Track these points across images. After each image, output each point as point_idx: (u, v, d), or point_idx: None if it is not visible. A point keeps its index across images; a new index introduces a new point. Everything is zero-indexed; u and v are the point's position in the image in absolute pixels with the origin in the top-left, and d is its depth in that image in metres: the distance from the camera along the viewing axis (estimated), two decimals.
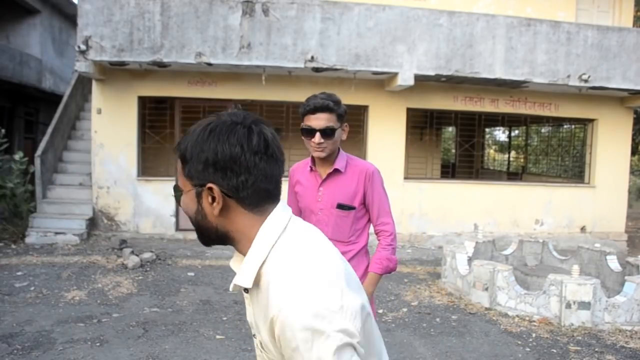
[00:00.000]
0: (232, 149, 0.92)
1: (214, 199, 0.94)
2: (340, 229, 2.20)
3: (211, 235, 1.00)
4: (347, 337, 0.83)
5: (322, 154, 2.13)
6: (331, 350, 0.81)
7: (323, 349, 0.81)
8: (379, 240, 2.23)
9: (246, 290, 0.99)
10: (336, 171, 2.19)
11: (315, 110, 2.06)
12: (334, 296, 0.85)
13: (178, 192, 1.02)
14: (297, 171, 2.34)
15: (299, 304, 0.83)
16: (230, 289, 1.02)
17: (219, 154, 0.92)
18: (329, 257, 0.94)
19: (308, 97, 2.12)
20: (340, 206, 2.17)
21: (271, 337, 0.90)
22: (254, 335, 1.04)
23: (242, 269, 0.95)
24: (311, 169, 2.25)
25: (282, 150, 1.00)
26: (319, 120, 2.06)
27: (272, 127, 1.01)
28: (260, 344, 0.99)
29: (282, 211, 0.98)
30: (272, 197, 0.98)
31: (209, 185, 0.93)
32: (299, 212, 2.30)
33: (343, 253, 2.04)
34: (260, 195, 0.96)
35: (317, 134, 2.07)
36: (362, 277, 2.19)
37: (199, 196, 0.96)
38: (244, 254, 0.97)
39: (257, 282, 0.94)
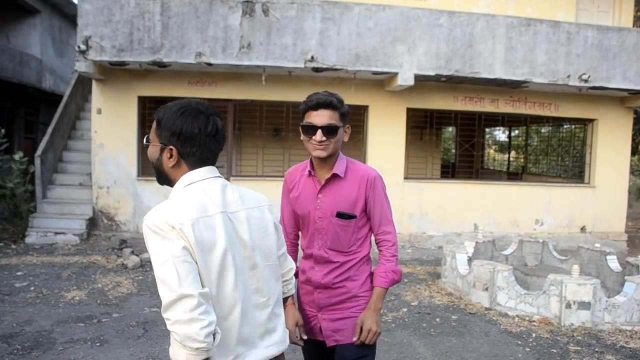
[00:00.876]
0: (193, 130, 1.39)
1: (171, 156, 1.41)
2: (340, 238, 2.03)
3: (162, 176, 1.48)
4: (166, 231, 1.28)
5: (324, 153, 1.95)
6: (150, 237, 1.30)
7: (148, 237, 1.30)
8: (380, 250, 2.09)
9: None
10: (335, 176, 2.02)
11: (318, 106, 1.93)
12: (169, 217, 1.30)
13: (148, 141, 1.47)
14: (294, 175, 2.14)
15: (145, 218, 1.33)
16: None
17: (183, 130, 1.38)
18: (184, 203, 1.36)
19: (309, 94, 2.00)
20: (340, 215, 2.01)
21: None
22: None
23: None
24: (310, 174, 2.06)
25: (225, 134, 1.48)
26: (321, 117, 1.92)
27: (219, 118, 1.45)
28: None
29: (197, 172, 1.42)
30: (209, 162, 1.45)
31: (171, 147, 1.40)
32: (295, 218, 2.14)
33: (342, 263, 2.05)
34: (200, 161, 1.43)
35: (319, 131, 1.91)
36: (364, 286, 2.07)
37: (162, 150, 1.42)
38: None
39: None
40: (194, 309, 1.20)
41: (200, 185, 1.40)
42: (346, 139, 2.05)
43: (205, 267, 1.29)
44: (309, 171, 2.06)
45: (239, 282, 1.36)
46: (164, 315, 1.24)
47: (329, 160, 2.01)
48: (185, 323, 1.19)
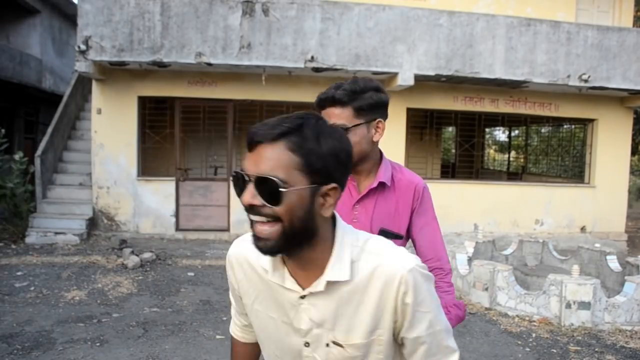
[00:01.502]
0: (348, 147, 0.94)
1: (325, 197, 0.92)
2: None
3: (303, 239, 0.94)
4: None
5: None
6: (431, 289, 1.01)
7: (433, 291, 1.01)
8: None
9: (302, 295, 1.01)
10: (382, 185, 1.61)
11: (322, 103, 1.56)
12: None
13: (275, 187, 0.87)
14: None
15: (410, 261, 0.97)
16: (322, 288, 0.98)
17: (343, 150, 0.92)
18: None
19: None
20: (384, 233, 1.59)
21: (378, 318, 0.98)
22: (307, 343, 1.04)
23: (334, 266, 0.96)
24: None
25: None
26: (327, 117, 1.52)
27: None
28: (334, 342, 1.02)
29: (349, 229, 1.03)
30: None
31: (334, 185, 0.92)
32: None
33: None
34: None
35: None
36: None
37: (313, 195, 0.90)
38: (311, 258, 0.98)
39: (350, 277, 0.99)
40: None
41: (362, 232, 1.08)
42: (377, 137, 1.58)
43: None
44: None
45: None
46: None
47: (366, 164, 1.61)
48: None
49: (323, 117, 0.98)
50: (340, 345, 1.01)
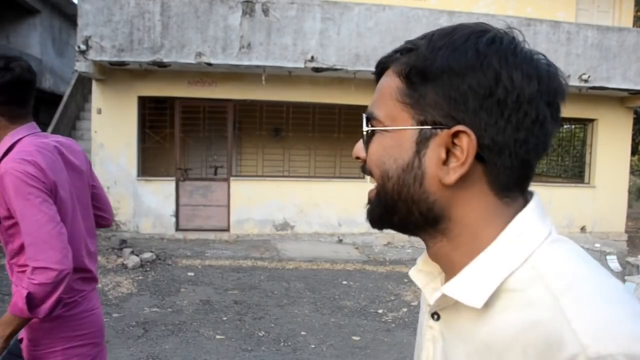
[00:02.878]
0: (526, 84, 0.56)
1: (450, 154, 0.56)
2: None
3: (412, 213, 0.59)
4: None
5: None
6: None
7: None
8: None
9: (436, 315, 0.63)
10: None
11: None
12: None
13: (375, 124, 0.61)
14: None
15: (616, 331, 0.47)
16: (433, 302, 0.61)
17: (501, 83, 0.54)
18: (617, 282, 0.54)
19: None
20: None
21: None
22: None
23: (466, 277, 0.57)
24: None
25: None
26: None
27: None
28: None
29: (540, 208, 0.59)
30: (526, 181, 0.60)
31: (461, 128, 0.55)
32: None
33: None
34: (521, 174, 0.58)
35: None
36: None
37: (422, 142, 0.57)
38: (452, 258, 0.60)
39: (489, 302, 0.55)
40: None
41: (566, 242, 0.57)
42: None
43: None
44: None
45: None
46: None
47: None
48: None
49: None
50: None
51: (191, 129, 9.06)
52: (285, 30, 7.54)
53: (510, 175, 0.57)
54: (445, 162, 0.56)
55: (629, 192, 11.02)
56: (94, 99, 8.27)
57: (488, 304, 0.55)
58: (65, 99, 9.39)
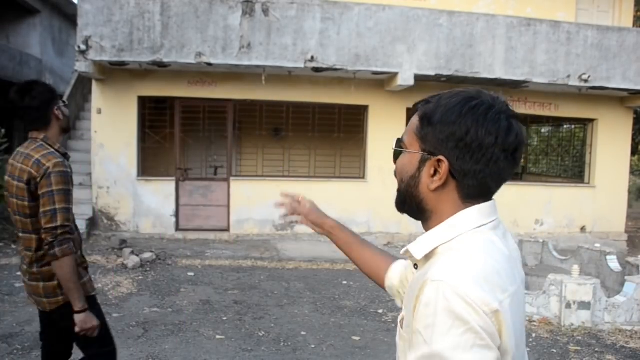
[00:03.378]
0: (487, 137, 0.87)
1: (436, 172, 0.91)
2: None
3: (412, 204, 0.97)
4: (488, 340, 0.77)
5: None
6: (468, 345, 0.76)
7: (458, 341, 0.76)
8: None
9: (416, 266, 0.98)
10: None
11: None
12: (491, 296, 0.79)
13: (400, 147, 0.99)
14: None
15: (455, 281, 0.79)
16: (401, 252, 1.00)
17: (469, 135, 0.87)
18: (501, 262, 0.86)
19: None
20: None
21: (413, 307, 0.84)
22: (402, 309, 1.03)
23: (420, 240, 0.93)
24: None
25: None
26: None
27: None
28: (402, 321, 0.97)
29: (488, 209, 0.93)
30: (488, 195, 0.95)
31: (441, 157, 0.89)
32: None
33: None
34: (481, 191, 0.92)
35: None
36: None
37: (422, 162, 0.93)
38: (427, 230, 0.96)
39: (427, 257, 0.92)
40: None
41: (489, 237, 0.90)
42: None
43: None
44: None
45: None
46: None
47: None
48: None
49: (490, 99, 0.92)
50: (402, 326, 0.96)
51: (191, 129, 9.06)
52: (285, 30, 7.54)
53: (472, 191, 0.91)
54: (432, 176, 0.92)
55: (629, 192, 11.02)
56: (94, 99, 8.27)
57: (427, 259, 0.92)
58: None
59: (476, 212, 0.91)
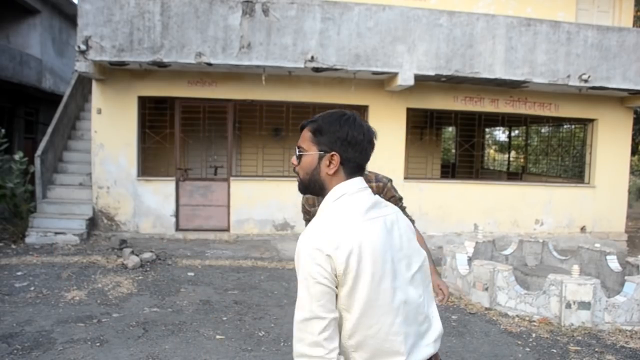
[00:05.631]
0: (358, 135, 1.42)
1: (331, 162, 1.41)
2: None
3: (315, 186, 1.46)
4: (320, 274, 1.28)
5: None
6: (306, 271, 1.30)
7: (304, 268, 1.30)
8: None
9: None
10: None
11: None
12: (325, 241, 1.30)
13: (302, 151, 1.47)
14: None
15: (303, 239, 1.34)
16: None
17: (348, 136, 1.41)
18: (340, 223, 1.34)
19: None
20: None
21: None
22: None
23: (319, 209, 1.44)
24: None
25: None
26: None
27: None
28: None
29: (351, 182, 1.43)
30: (361, 170, 1.47)
31: (334, 153, 1.41)
32: None
33: None
34: (357, 169, 1.45)
35: None
36: None
37: (320, 158, 1.43)
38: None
39: None
40: (321, 332, 1.27)
41: (352, 197, 1.40)
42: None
43: (354, 289, 1.29)
44: None
45: (397, 290, 1.37)
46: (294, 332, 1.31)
47: None
48: (308, 345, 1.27)
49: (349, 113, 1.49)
50: None
51: (191, 129, 9.06)
52: (285, 30, 7.54)
53: (352, 170, 1.44)
54: (328, 166, 1.42)
55: (629, 192, 11.02)
56: (94, 99, 8.26)
57: None
58: (65, 99, 9.38)
59: (346, 184, 1.43)
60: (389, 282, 1.33)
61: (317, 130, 1.43)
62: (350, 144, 1.40)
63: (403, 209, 2.40)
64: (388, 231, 1.39)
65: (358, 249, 1.28)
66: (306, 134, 1.46)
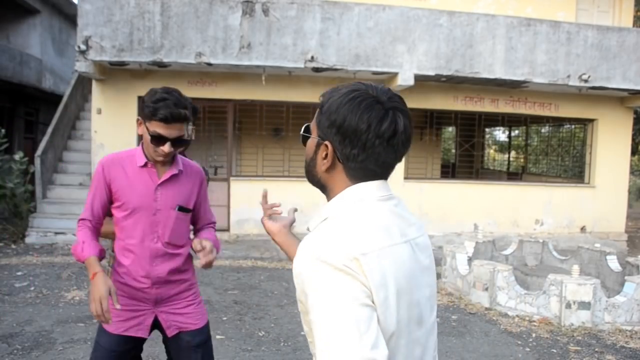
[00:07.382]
0: (359, 124, 0.97)
1: (326, 155, 1.02)
2: (179, 231, 2.14)
3: (314, 180, 1.10)
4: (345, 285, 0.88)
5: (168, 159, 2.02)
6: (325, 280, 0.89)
7: (317, 281, 0.90)
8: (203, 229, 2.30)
9: None
10: (180, 172, 2.11)
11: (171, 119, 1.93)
12: (342, 253, 0.90)
13: (307, 132, 1.10)
14: (114, 166, 2.07)
15: (307, 249, 0.94)
16: (307, 229, 1.08)
17: (345, 122, 0.97)
18: (360, 235, 0.94)
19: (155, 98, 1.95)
20: (181, 209, 2.11)
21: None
22: None
23: (315, 217, 1.06)
24: (145, 165, 2.04)
25: (409, 141, 1.03)
26: (172, 130, 1.92)
27: (407, 118, 1.01)
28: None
29: (368, 187, 1.02)
30: (376, 177, 1.03)
31: (327, 142, 1.01)
32: (105, 208, 2.17)
33: (180, 255, 2.16)
34: (365, 173, 1.01)
35: (168, 143, 1.93)
36: (193, 276, 2.30)
37: (317, 146, 1.05)
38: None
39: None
40: None
41: (370, 206, 1.00)
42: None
43: (388, 313, 0.92)
44: (146, 162, 2.03)
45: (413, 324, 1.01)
46: None
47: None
48: None
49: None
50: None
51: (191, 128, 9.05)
52: (285, 30, 7.54)
53: (356, 172, 1.01)
54: (323, 159, 1.03)
55: (629, 192, 11.03)
56: (94, 99, 8.26)
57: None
58: (65, 99, 9.38)
59: (356, 189, 1.02)
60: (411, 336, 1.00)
61: (320, 107, 1.04)
62: (345, 134, 0.97)
63: None
64: (417, 261, 1.03)
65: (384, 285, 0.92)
66: (317, 112, 1.08)
